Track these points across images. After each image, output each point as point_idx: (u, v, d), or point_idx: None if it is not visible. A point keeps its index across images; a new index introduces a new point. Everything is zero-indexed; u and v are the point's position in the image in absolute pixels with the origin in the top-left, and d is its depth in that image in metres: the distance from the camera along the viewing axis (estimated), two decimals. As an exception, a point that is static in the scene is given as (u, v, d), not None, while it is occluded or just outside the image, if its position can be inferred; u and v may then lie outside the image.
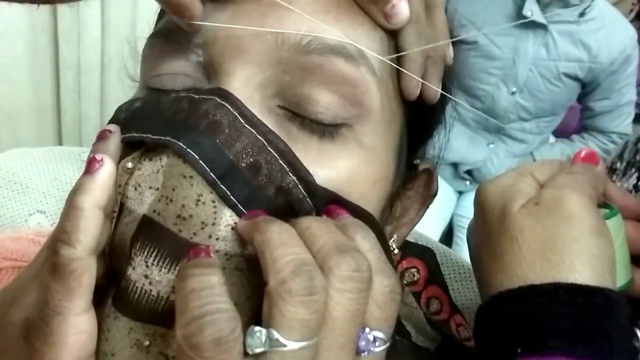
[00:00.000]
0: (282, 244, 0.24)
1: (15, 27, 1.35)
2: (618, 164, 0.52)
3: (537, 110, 1.56)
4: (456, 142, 1.56)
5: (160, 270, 0.27)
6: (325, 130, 0.30)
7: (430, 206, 0.41)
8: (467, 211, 1.66)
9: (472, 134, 1.62)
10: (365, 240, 0.27)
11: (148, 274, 0.27)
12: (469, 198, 1.68)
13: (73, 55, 1.40)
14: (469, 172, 1.66)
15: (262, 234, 0.25)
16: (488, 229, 0.36)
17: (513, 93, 1.54)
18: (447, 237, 1.67)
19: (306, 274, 0.23)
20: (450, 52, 0.35)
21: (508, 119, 1.57)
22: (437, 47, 0.33)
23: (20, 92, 1.43)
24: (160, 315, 0.27)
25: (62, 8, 1.32)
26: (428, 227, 1.15)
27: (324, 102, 0.30)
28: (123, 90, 0.32)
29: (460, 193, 1.71)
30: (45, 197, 0.52)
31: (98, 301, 0.28)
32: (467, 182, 1.68)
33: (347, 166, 0.31)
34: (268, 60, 0.30)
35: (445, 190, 1.63)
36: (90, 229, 0.26)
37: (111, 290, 0.29)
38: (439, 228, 1.62)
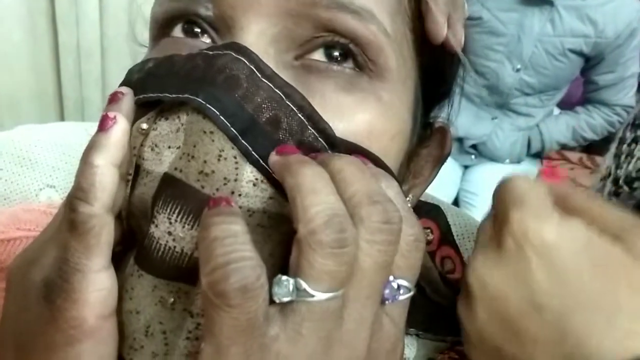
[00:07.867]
0: (314, 192, 0.24)
1: (12, 12, 1.34)
2: (628, 134, 0.51)
3: (540, 85, 1.56)
4: (461, 117, 1.54)
5: (183, 226, 0.27)
6: (345, 84, 0.30)
7: (436, 181, 0.40)
8: (473, 186, 1.66)
9: (476, 110, 1.62)
10: (389, 189, 0.27)
11: (171, 231, 0.27)
12: (474, 172, 1.69)
13: (72, 39, 1.39)
14: (474, 147, 1.65)
15: (294, 177, 0.24)
16: (572, 280, 0.28)
17: (518, 70, 1.52)
18: (453, 211, 1.68)
19: (337, 226, 0.23)
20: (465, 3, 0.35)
21: (512, 95, 1.56)
22: None
23: (21, 78, 1.42)
24: (185, 272, 0.27)
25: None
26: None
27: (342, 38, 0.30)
28: (120, 74, 0.31)
29: (466, 167, 1.71)
30: (54, 172, 0.51)
31: (115, 267, 0.28)
32: (473, 156, 1.68)
33: (366, 119, 0.30)
34: (278, 12, 0.29)
35: (450, 165, 1.63)
36: (106, 186, 0.26)
37: (131, 253, 0.29)
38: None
